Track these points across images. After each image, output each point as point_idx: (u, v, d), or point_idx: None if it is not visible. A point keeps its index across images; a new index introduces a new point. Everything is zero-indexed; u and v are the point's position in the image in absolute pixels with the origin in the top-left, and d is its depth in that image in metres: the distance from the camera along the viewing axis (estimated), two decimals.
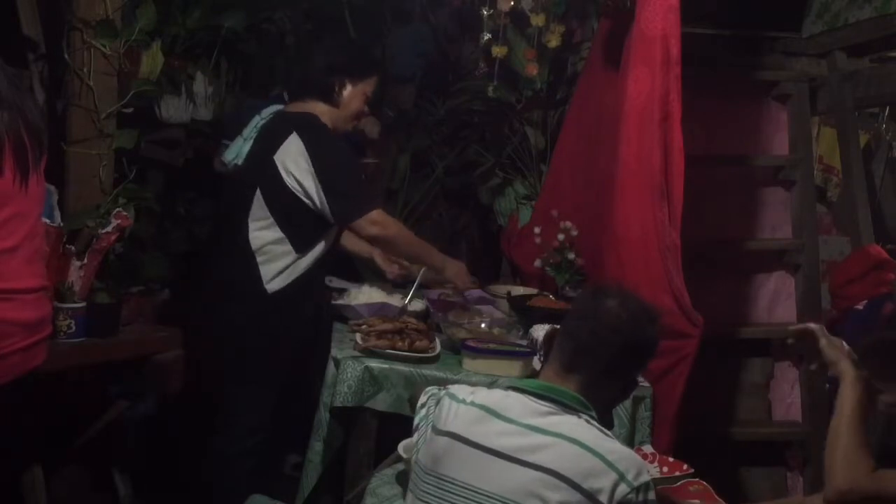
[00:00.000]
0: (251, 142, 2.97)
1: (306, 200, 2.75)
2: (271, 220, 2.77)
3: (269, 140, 2.84)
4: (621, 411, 2.46)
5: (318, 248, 2.83)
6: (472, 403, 1.74)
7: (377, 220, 2.78)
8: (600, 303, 1.78)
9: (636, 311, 1.78)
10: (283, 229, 2.77)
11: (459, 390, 1.81)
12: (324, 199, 2.72)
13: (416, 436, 1.84)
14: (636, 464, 1.63)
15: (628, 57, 2.89)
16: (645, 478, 1.62)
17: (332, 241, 2.88)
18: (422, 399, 1.89)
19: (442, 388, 1.88)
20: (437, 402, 1.81)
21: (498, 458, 1.65)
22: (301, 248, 2.79)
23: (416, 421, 1.87)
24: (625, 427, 2.48)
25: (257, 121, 3.02)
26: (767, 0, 3.74)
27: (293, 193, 2.75)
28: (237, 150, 3.02)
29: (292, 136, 2.76)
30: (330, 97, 2.88)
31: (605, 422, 1.78)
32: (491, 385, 2.14)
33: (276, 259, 2.78)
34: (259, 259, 2.77)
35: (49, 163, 2.21)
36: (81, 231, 2.70)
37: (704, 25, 3.61)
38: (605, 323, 1.75)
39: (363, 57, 3.12)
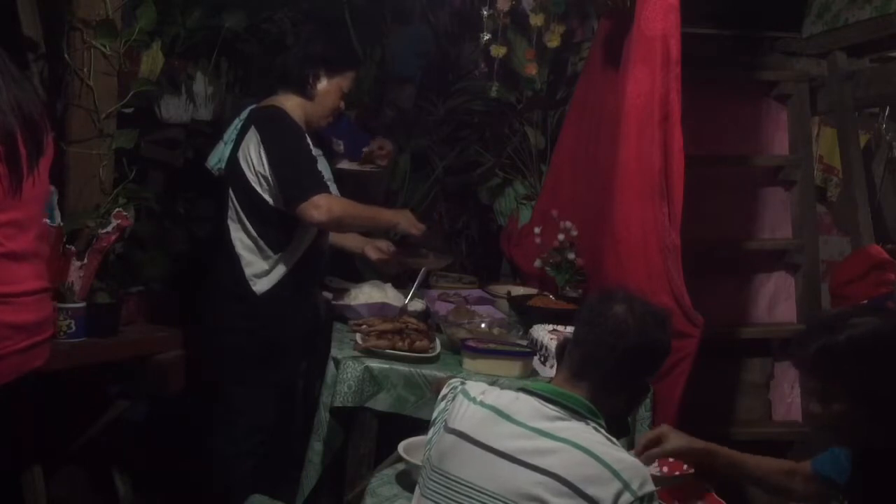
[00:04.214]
0: (231, 145, 2.91)
1: (268, 198, 2.71)
2: (245, 221, 2.75)
3: (238, 139, 2.81)
4: None
5: (297, 247, 2.79)
6: (482, 404, 1.74)
7: (319, 204, 2.63)
8: (607, 308, 1.77)
9: (643, 316, 1.76)
10: (256, 229, 2.75)
11: (473, 387, 1.82)
12: (276, 186, 2.69)
13: (430, 431, 1.84)
14: (641, 474, 1.62)
15: (628, 57, 2.89)
16: (649, 488, 1.61)
17: (309, 238, 2.82)
18: (443, 391, 1.89)
19: (463, 381, 1.88)
20: (454, 398, 1.81)
21: (503, 458, 1.65)
22: (276, 247, 2.76)
23: (434, 414, 1.86)
24: None
25: (237, 123, 2.96)
26: (767, 0, 3.74)
27: (257, 191, 2.72)
28: (219, 155, 2.97)
29: (250, 131, 2.74)
30: (304, 89, 2.84)
31: (620, 428, 1.77)
32: (500, 386, 2.13)
33: (257, 261, 2.76)
34: (242, 261, 2.76)
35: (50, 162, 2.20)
36: (81, 231, 2.70)
37: (704, 25, 3.60)
38: (610, 328, 1.74)
39: (341, 49, 3.01)
